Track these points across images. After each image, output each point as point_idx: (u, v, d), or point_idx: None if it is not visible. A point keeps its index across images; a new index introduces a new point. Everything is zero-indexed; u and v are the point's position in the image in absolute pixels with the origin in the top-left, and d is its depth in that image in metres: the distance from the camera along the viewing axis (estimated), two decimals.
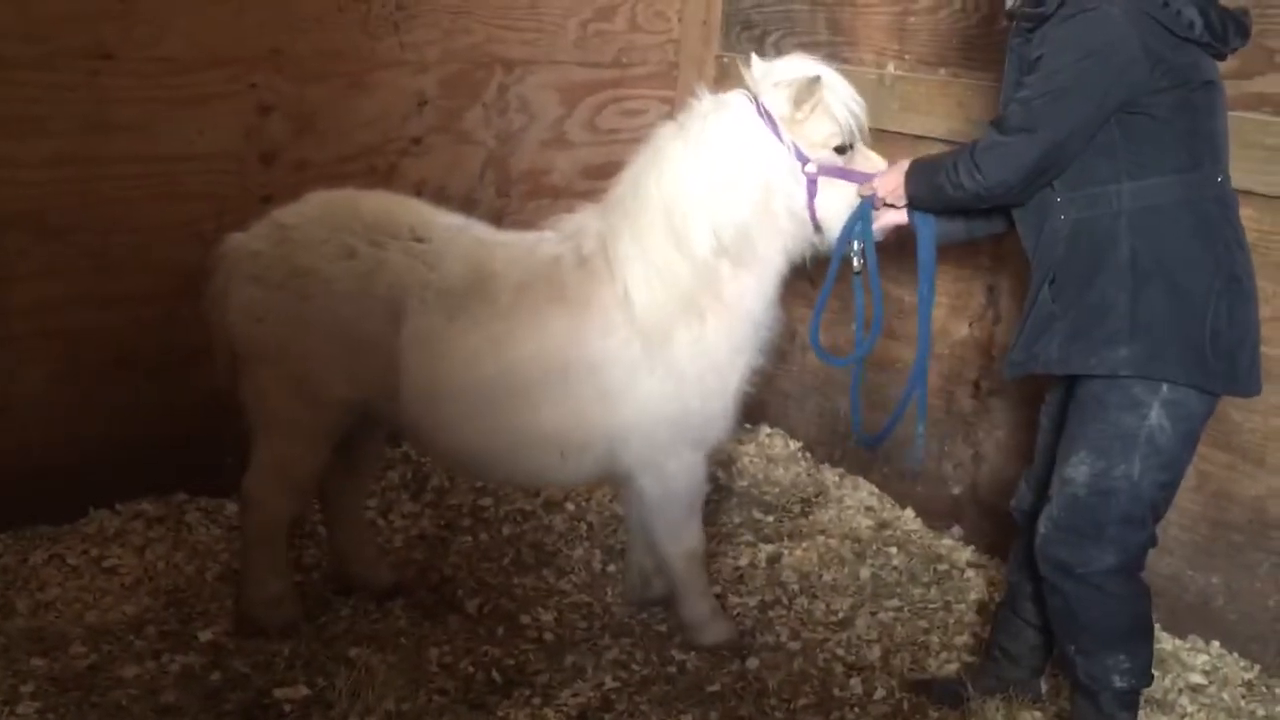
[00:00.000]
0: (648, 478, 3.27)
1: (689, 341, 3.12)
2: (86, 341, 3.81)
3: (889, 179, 3.04)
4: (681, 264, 3.07)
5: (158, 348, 3.93)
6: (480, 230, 3.38)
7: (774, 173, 3.08)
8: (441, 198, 4.40)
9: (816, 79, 3.03)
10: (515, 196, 4.60)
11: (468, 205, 4.48)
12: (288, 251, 3.15)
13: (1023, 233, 2.89)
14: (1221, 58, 2.74)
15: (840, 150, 3.12)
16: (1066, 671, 3.00)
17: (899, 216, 3.08)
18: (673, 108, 4.94)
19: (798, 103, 3.04)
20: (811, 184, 3.10)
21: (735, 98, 3.14)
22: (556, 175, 4.70)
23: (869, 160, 3.17)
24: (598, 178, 4.73)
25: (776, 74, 3.12)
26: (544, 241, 3.28)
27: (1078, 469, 2.76)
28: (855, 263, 3.12)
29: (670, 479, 3.27)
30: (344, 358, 3.15)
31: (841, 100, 3.10)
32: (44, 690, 3.05)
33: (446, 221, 3.31)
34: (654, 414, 3.16)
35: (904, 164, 3.02)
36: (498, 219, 4.48)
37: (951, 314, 4.14)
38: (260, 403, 3.27)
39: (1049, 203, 2.76)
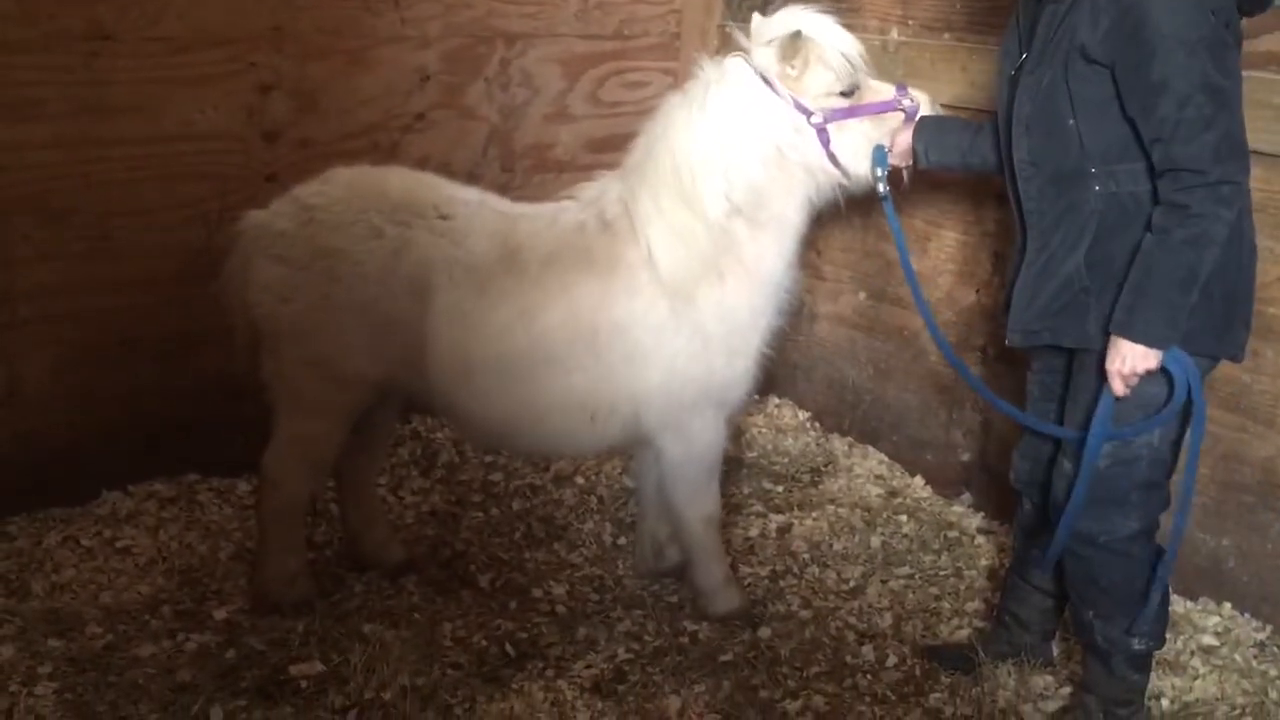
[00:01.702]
0: (670, 438, 3.29)
1: (713, 302, 3.15)
2: (92, 324, 3.82)
3: (902, 142, 3.15)
4: (698, 226, 3.10)
5: (164, 329, 3.94)
6: (501, 204, 3.39)
7: (777, 131, 3.09)
8: (446, 173, 4.35)
9: (797, 34, 3.03)
10: (519, 171, 4.59)
11: (472, 181, 4.43)
12: (314, 232, 3.14)
13: (1033, 199, 2.81)
14: (1250, 14, 2.71)
15: (846, 94, 3.11)
16: (1081, 635, 3.01)
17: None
18: (675, 79, 4.92)
19: (786, 59, 3.05)
20: (822, 133, 3.10)
21: (732, 62, 3.13)
22: (560, 149, 4.68)
23: (877, 92, 3.18)
24: (601, 151, 4.73)
25: (767, 32, 3.12)
26: (565, 211, 3.30)
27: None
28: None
29: (693, 439, 3.30)
30: (371, 337, 3.16)
31: (833, 47, 3.08)
32: (61, 670, 3.07)
33: (467, 197, 3.32)
34: (680, 374, 3.19)
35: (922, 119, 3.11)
36: (502, 194, 4.46)
37: (958, 281, 4.12)
38: (283, 381, 3.27)
39: (1080, 174, 2.69)
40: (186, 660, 3.15)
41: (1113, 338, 2.64)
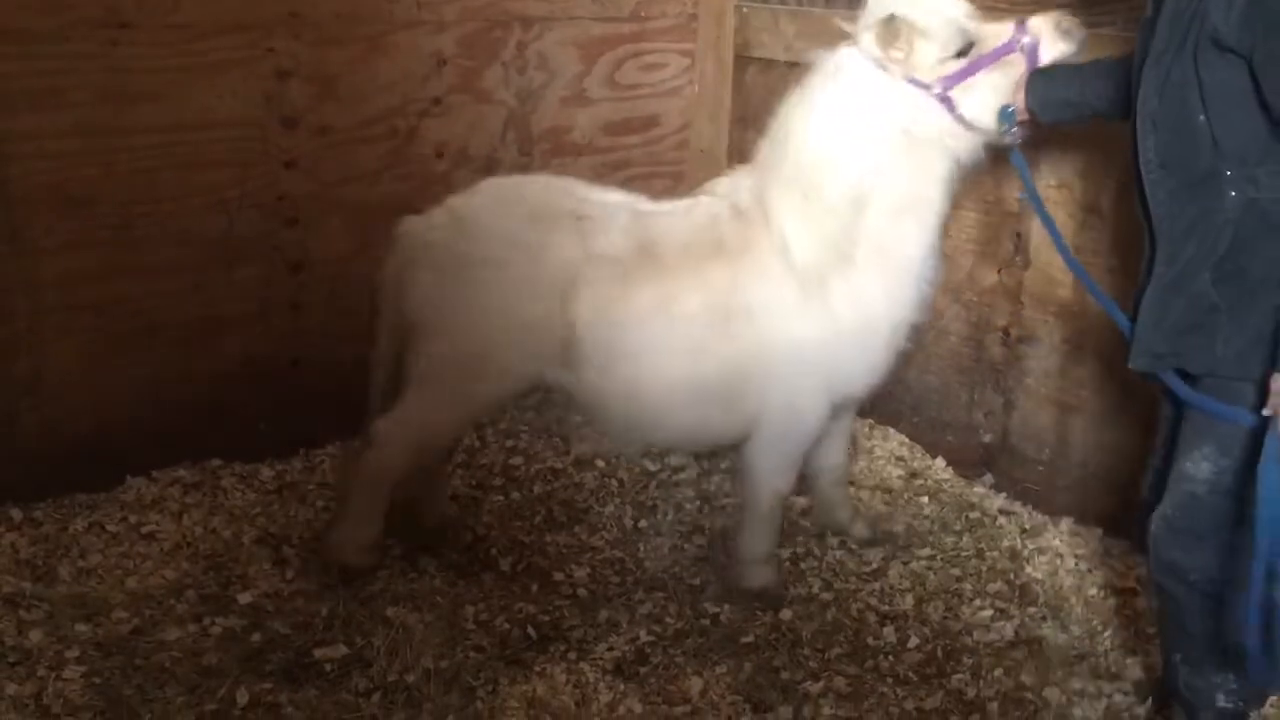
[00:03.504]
0: (774, 423, 3.33)
1: (846, 291, 3.17)
2: (115, 312, 3.83)
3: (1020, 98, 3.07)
4: (827, 216, 3.12)
5: (186, 316, 3.96)
6: (639, 203, 3.46)
7: (899, 114, 3.09)
8: (464, 158, 4.41)
9: (890, 18, 3.02)
10: (537, 155, 4.58)
11: (490, 165, 4.48)
12: (461, 241, 3.29)
13: (1162, 204, 2.53)
14: None
15: (961, 53, 3.07)
16: (1167, 680, 2.84)
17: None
18: (693, 60, 4.90)
19: (887, 45, 3.04)
20: (945, 101, 3.08)
21: (844, 52, 3.16)
22: (578, 132, 4.67)
23: (995, 36, 3.09)
24: (619, 134, 4.72)
25: (868, 17, 3.12)
26: (700, 204, 3.39)
27: (1199, 465, 2.54)
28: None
29: (798, 419, 3.33)
30: (518, 336, 3.28)
31: (932, 16, 3.05)
32: (89, 655, 3.10)
33: (604, 198, 3.42)
34: (808, 360, 3.23)
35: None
36: None
37: (980, 261, 4.10)
38: (425, 371, 3.36)
39: (1214, 177, 2.42)
40: (212, 644, 3.18)
41: (1276, 376, 2.32)
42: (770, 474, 3.43)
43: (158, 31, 3.70)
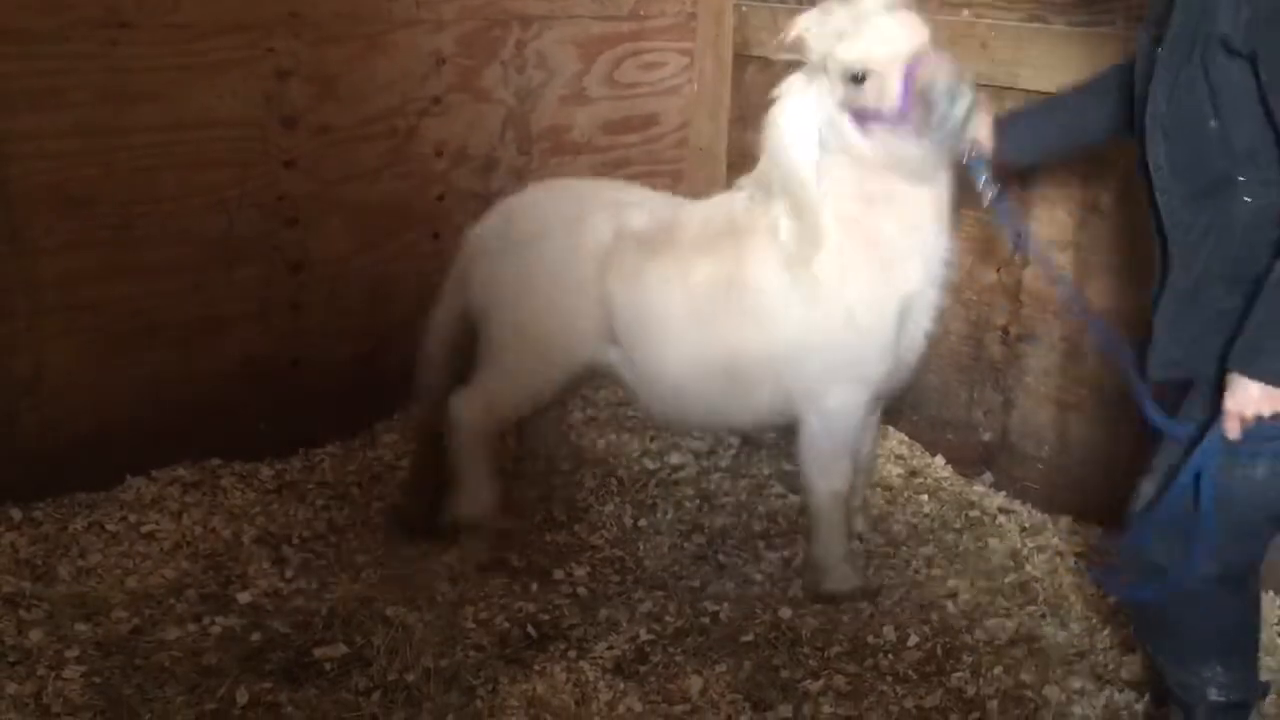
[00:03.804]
0: (808, 410, 3.39)
1: (831, 273, 3.22)
2: (114, 312, 3.84)
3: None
4: (804, 206, 3.20)
5: (186, 316, 3.96)
6: (675, 200, 3.73)
7: (828, 133, 3.20)
8: (463, 157, 4.42)
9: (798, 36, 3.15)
10: (537, 154, 4.58)
11: (489, 164, 4.49)
12: (512, 226, 3.60)
13: (1175, 212, 2.47)
14: None
15: (856, 79, 3.07)
16: (1161, 680, 2.84)
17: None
18: (692, 59, 4.90)
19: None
20: (862, 129, 3.13)
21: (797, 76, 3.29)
22: (577, 131, 4.67)
23: (880, 86, 3.07)
24: (619, 132, 4.73)
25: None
26: (725, 196, 3.58)
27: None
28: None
29: (829, 413, 3.37)
30: (561, 307, 3.50)
31: (824, 45, 3.12)
32: (89, 654, 3.10)
33: (645, 195, 3.69)
34: (804, 343, 3.29)
35: None
36: (520, 177, 4.47)
37: (978, 260, 4.10)
38: (492, 350, 3.60)
39: (1227, 182, 2.37)
40: (212, 643, 3.18)
41: (1232, 374, 2.33)
42: (817, 474, 3.47)
43: (157, 31, 3.70)
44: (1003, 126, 3.06)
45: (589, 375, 3.73)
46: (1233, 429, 2.34)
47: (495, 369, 3.60)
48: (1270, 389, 2.28)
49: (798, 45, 3.12)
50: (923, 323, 3.36)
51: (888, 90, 3.02)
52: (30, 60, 3.52)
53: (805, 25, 3.13)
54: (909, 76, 2.98)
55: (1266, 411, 2.29)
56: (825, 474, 3.46)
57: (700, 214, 3.50)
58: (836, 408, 3.37)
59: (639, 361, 3.48)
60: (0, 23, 3.44)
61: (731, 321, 3.35)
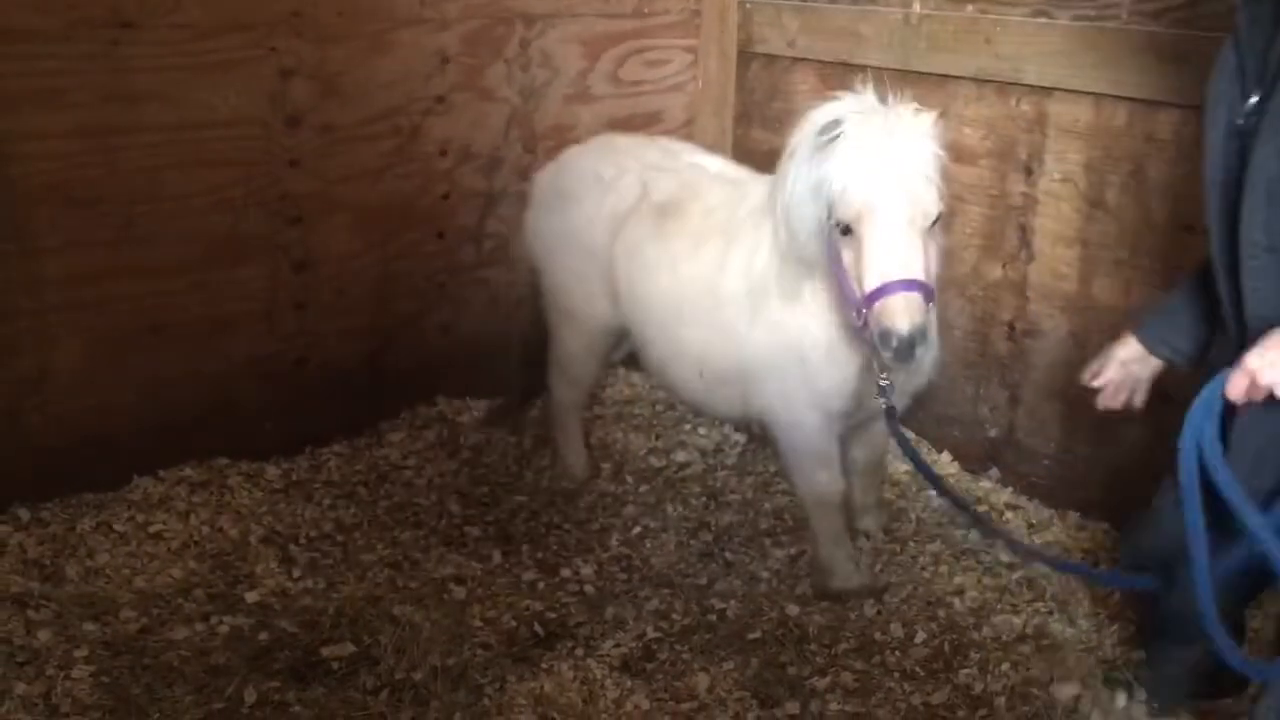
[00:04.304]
0: (773, 425, 3.42)
1: (792, 309, 3.16)
2: (119, 311, 3.84)
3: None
4: (790, 255, 3.08)
5: (191, 315, 3.96)
6: (722, 167, 3.68)
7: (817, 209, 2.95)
8: (467, 156, 4.42)
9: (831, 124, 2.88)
10: (541, 152, 4.57)
11: (494, 163, 4.49)
12: (557, 178, 3.78)
13: (1265, 295, 2.20)
14: None
15: (842, 230, 2.85)
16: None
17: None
18: (696, 56, 4.90)
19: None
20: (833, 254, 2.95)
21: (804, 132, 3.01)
22: (581, 129, 4.66)
23: (870, 256, 2.78)
24: (623, 130, 4.71)
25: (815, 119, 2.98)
26: (758, 181, 3.46)
27: None
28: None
29: (792, 433, 3.38)
30: (582, 266, 3.61)
31: (839, 174, 2.83)
32: (97, 654, 3.11)
33: (694, 160, 3.67)
34: (760, 361, 3.29)
35: None
36: (524, 175, 4.47)
37: (984, 256, 4.09)
38: (548, 307, 3.87)
39: None
40: (220, 643, 3.18)
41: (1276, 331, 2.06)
42: (796, 479, 3.51)
43: (160, 31, 3.70)
44: (1147, 330, 2.68)
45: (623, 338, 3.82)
46: (1237, 386, 2.09)
47: (554, 331, 3.87)
48: None
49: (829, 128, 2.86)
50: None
51: (860, 263, 2.79)
52: (34, 60, 3.52)
53: (838, 114, 2.88)
54: (874, 297, 2.74)
55: (1266, 375, 2.04)
56: (804, 480, 3.47)
57: (713, 199, 3.46)
58: (791, 425, 3.36)
59: (639, 338, 3.59)
60: (4, 23, 3.45)
61: (702, 323, 3.36)
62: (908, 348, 2.71)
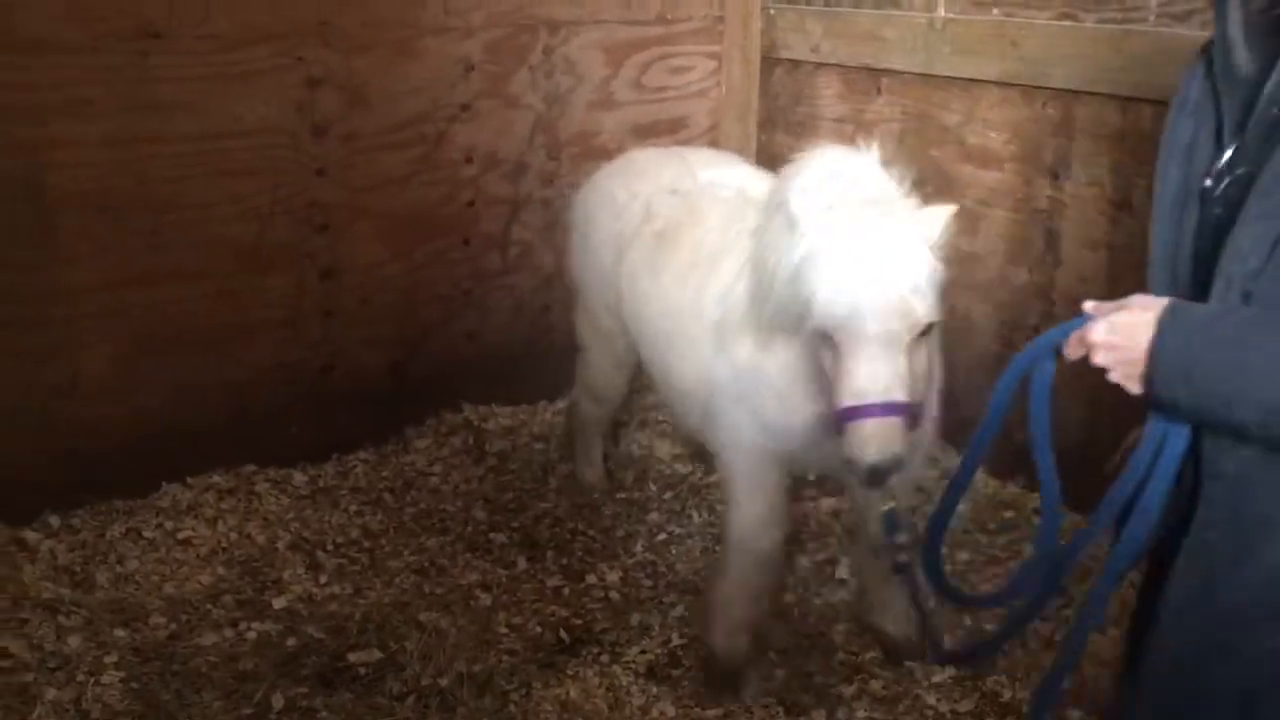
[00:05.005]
0: (714, 447, 3.16)
1: (756, 358, 2.87)
2: (148, 319, 3.87)
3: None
4: (762, 310, 2.75)
5: (219, 322, 3.99)
6: (745, 182, 3.37)
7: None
8: (492, 163, 4.43)
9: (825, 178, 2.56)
10: (565, 159, 4.59)
11: (519, 170, 4.50)
12: (585, 199, 3.76)
13: None
14: None
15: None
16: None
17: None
18: (719, 63, 4.90)
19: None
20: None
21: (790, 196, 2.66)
22: (605, 136, 4.68)
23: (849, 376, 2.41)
24: (647, 136, 4.73)
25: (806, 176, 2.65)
26: (738, 208, 3.17)
27: None
28: None
29: (725, 466, 3.12)
30: (603, 292, 3.59)
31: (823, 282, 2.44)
32: (127, 660, 3.13)
33: (714, 176, 3.46)
34: (720, 398, 3.00)
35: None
36: (549, 182, 4.49)
37: (1009, 260, 4.07)
38: (577, 326, 3.90)
39: None
40: (248, 649, 3.21)
41: (1132, 302, 1.73)
42: (729, 512, 3.10)
43: (188, 42, 3.73)
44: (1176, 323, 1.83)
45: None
46: (1074, 351, 1.83)
47: (581, 350, 3.89)
48: (1125, 342, 1.69)
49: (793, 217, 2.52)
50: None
51: (836, 375, 2.45)
52: (64, 71, 3.56)
53: (826, 198, 2.51)
54: (846, 416, 2.40)
55: (1099, 356, 1.75)
56: (734, 513, 3.07)
57: (710, 222, 3.20)
58: (731, 463, 3.07)
59: (644, 361, 3.52)
60: (35, 34, 3.49)
61: (674, 351, 3.17)
62: (877, 478, 2.39)
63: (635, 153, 3.94)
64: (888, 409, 2.37)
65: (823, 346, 2.50)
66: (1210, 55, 1.75)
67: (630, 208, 3.46)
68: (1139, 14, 3.51)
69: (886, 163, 2.59)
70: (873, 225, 2.43)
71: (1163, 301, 1.66)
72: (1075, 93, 3.71)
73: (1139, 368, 1.68)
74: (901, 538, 2.50)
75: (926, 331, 2.47)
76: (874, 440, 2.36)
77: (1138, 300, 1.71)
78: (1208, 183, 1.72)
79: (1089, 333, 1.76)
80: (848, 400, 2.39)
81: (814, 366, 2.64)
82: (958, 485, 2.20)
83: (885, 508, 2.53)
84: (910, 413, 2.43)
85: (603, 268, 3.54)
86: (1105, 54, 3.57)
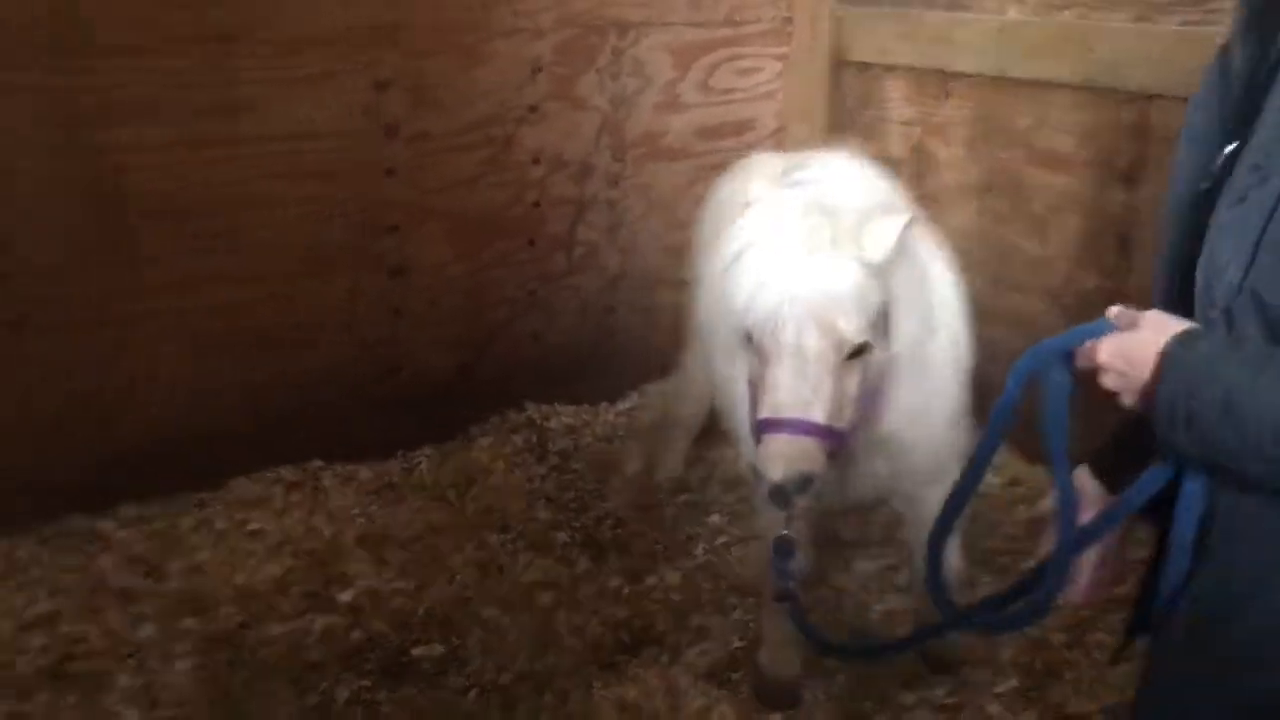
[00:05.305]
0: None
1: (728, 369, 2.81)
2: (219, 317, 3.94)
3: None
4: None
5: (286, 322, 4.05)
6: (813, 200, 2.59)
7: None
8: (559, 164, 4.46)
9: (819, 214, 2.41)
10: (630, 160, 4.60)
11: (585, 171, 4.52)
12: (715, 195, 3.51)
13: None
14: None
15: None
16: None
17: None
18: (787, 65, 4.88)
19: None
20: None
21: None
22: (671, 137, 4.68)
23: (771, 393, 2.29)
24: (713, 139, 4.72)
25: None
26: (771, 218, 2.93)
27: None
28: None
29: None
30: (696, 299, 3.44)
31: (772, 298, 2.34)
32: (198, 649, 3.20)
33: (780, 195, 2.98)
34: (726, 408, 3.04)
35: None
36: (614, 184, 4.50)
37: (1078, 266, 3.99)
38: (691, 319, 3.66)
39: None
40: (314, 640, 3.26)
41: (1147, 318, 1.62)
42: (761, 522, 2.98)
43: (256, 45, 3.78)
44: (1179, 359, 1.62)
45: None
46: (1084, 357, 1.74)
47: (685, 351, 3.77)
48: (1129, 370, 1.59)
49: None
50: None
51: (758, 384, 2.35)
52: (136, 73, 3.63)
53: (773, 203, 2.49)
54: (759, 428, 2.29)
55: (1106, 379, 1.66)
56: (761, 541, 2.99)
57: (747, 233, 2.88)
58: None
59: None
60: (109, 39, 3.56)
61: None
62: (781, 497, 2.25)
63: (753, 157, 3.64)
64: (802, 427, 2.23)
65: (753, 355, 2.38)
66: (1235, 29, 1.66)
67: (717, 216, 3.32)
68: (1216, 16, 3.44)
69: (890, 169, 2.51)
70: (806, 232, 2.33)
71: (1172, 326, 1.55)
72: (1151, 96, 3.64)
73: (1145, 399, 1.57)
74: (791, 565, 2.41)
75: (859, 354, 2.31)
76: (782, 458, 2.21)
77: (1151, 320, 1.60)
78: (1205, 186, 1.62)
79: (1097, 352, 1.66)
80: (764, 412, 2.27)
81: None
82: (957, 497, 2.09)
83: (779, 533, 2.40)
84: (833, 436, 2.27)
85: (694, 271, 3.50)
86: (1183, 56, 3.49)
